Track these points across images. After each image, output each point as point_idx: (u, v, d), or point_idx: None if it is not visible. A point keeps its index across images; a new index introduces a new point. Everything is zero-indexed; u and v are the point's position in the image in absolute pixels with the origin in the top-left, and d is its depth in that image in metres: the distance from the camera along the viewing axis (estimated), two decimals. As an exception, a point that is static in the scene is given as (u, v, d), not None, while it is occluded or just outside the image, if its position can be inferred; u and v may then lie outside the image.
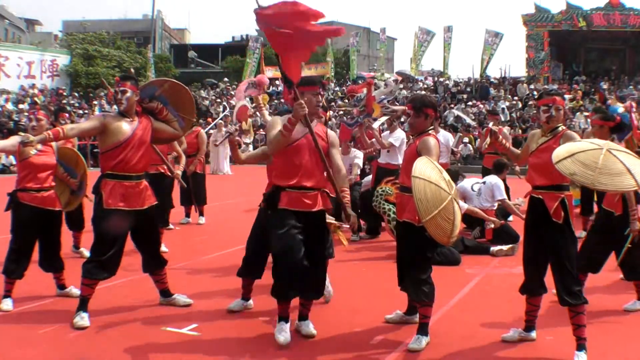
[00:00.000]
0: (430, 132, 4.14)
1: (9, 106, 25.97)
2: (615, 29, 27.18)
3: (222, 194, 12.20)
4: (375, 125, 7.27)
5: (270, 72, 30.15)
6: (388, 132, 7.85)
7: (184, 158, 7.39)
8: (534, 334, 4.11)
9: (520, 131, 20.76)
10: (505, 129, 10.03)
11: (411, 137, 4.39)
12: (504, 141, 4.52)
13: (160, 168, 6.62)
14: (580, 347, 3.74)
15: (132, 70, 9.56)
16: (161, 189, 6.54)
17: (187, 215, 9.17)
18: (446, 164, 7.97)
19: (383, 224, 7.69)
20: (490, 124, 8.90)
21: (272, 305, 4.84)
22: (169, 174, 6.70)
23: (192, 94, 4.99)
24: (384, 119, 7.37)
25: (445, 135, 8.61)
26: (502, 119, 20.58)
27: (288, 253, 3.86)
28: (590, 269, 4.83)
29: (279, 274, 3.93)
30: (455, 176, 7.59)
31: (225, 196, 12.23)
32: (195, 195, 8.75)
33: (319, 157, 3.97)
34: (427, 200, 3.54)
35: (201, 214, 9.11)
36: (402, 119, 7.83)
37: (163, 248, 6.60)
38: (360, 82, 17.39)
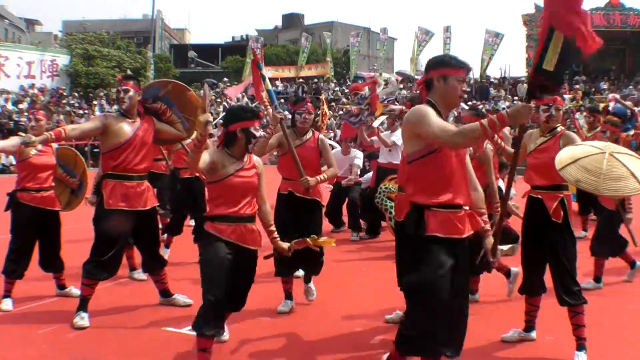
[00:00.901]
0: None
1: (9, 106, 25.99)
2: (615, 29, 27.16)
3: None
4: (375, 124, 7.28)
5: (270, 72, 30.24)
6: (389, 131, 7.86)
7: None
8: (533, 334, 4.11)
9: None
10: (506, 130, 10.00)
11: None
12: (499, 140, 4.52)
13: (195, 172, 6.33)
14: (580, 347, 3.74)
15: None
16: (199, 195, 6.38)
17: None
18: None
19: (384, 223, 7.70)
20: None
21: (272, 304, 4.84)
22: (203, 177, 6.47)
23: (195, 94, 4.98)
24: (382, 118, 7.38)
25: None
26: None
27: (442, 303, 2.86)
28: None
29: (423, 327, 2.87)
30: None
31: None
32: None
33: (465, 166, 3.08)
34: None
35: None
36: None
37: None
38: (360, 81, 17.31)
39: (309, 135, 4.85)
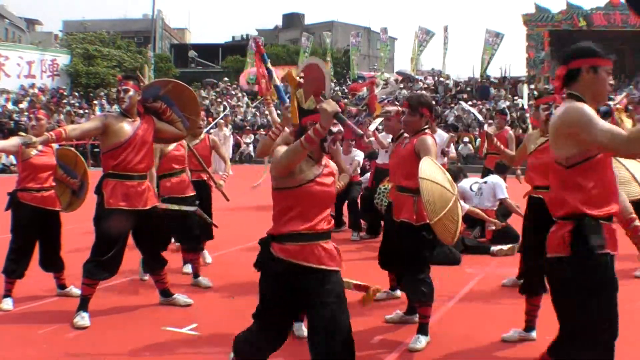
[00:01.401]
0: (426, 131, 4.14)
1: (9, 106, 26.01)
2: (615, 28, 27.19)
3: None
4: (371, 128, 7.25)
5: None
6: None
7: (229, 163, 6.63)
8: (534, 334, 4.11)
9: (520, 131, 20.76)
10: (511, 131, 9.92)
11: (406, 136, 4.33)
12: (498, 143, 4.54)
13: (203, 175, 6.09)
14: (580, 347, 3.73)
15: (145, 67, 9.21)
16: (205, 198, 6.10)
17: None
18: (444, 164, 7.97)
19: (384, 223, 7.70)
20: (485, 126, 8.91)
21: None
22: (212, 183, 6.16)
23: (195, 93, 4.99)
24: (379, 120, 7.37)
25: (442, 135, 8.60)
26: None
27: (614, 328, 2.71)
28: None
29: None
30: (457, 175, 7.59)
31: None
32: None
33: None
34: (435, 202, 3.55)
35: None
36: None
37: (207, 259, 6.33)
38: (360, 81, 17.27)
39: None
